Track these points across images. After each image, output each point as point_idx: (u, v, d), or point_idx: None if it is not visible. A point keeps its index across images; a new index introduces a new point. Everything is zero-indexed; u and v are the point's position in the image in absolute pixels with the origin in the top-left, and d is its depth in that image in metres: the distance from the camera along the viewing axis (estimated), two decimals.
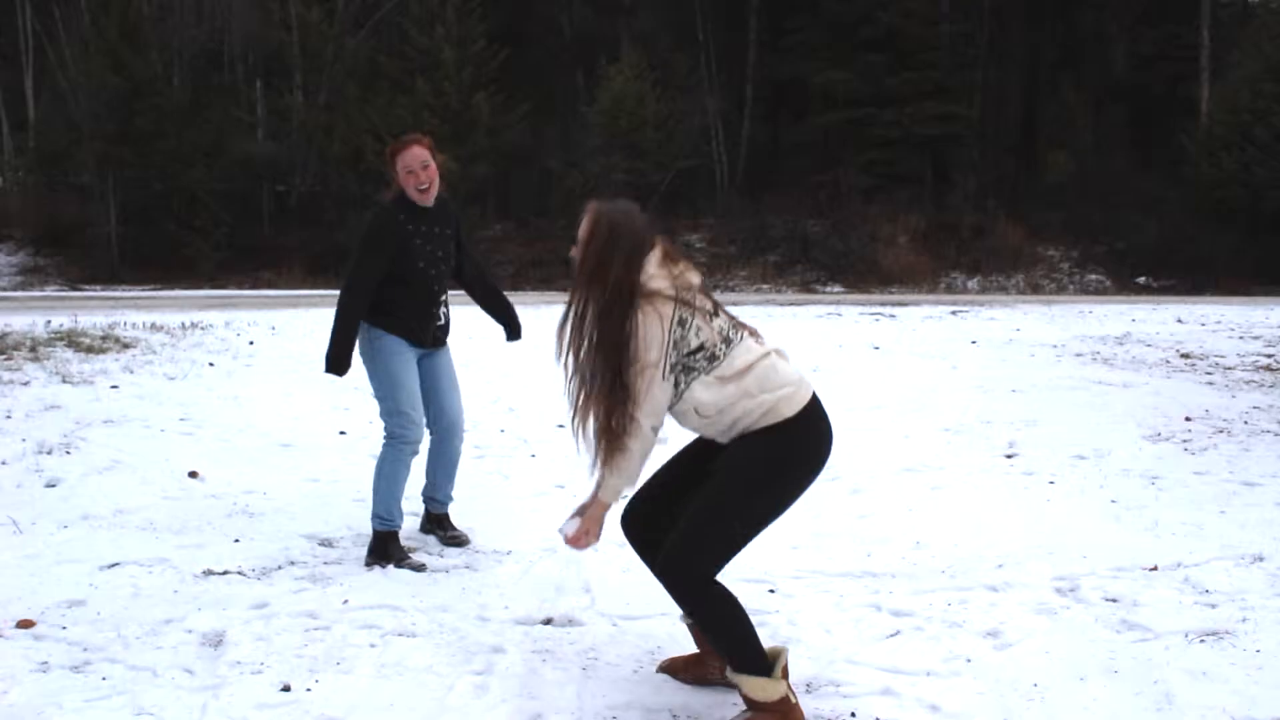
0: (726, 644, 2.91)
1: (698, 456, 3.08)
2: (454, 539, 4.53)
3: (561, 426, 6.90)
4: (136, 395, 7.09)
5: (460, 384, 4.53)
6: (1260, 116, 25.01)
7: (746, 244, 26.91)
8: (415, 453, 4.29)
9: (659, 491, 3.12)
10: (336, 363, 4.13)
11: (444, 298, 4.35)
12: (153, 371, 7.94)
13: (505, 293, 4.72)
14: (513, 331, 4.70)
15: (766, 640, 3.49)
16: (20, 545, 4.38)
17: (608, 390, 2.83)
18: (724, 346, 2.89)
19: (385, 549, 4.24)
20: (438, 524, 4.62)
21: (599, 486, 2.95)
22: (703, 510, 2.86)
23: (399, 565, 4.18)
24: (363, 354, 4.26)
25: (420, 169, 4.15)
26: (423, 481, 4.63)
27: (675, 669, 3.26)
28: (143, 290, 20.12)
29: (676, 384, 2.87)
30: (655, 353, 2.80)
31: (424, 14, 26.10)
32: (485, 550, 4.46)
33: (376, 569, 4.17)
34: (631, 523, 3.15)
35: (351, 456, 6.02)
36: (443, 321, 4.34)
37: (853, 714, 2.98)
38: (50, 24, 25.41)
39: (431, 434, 4.48)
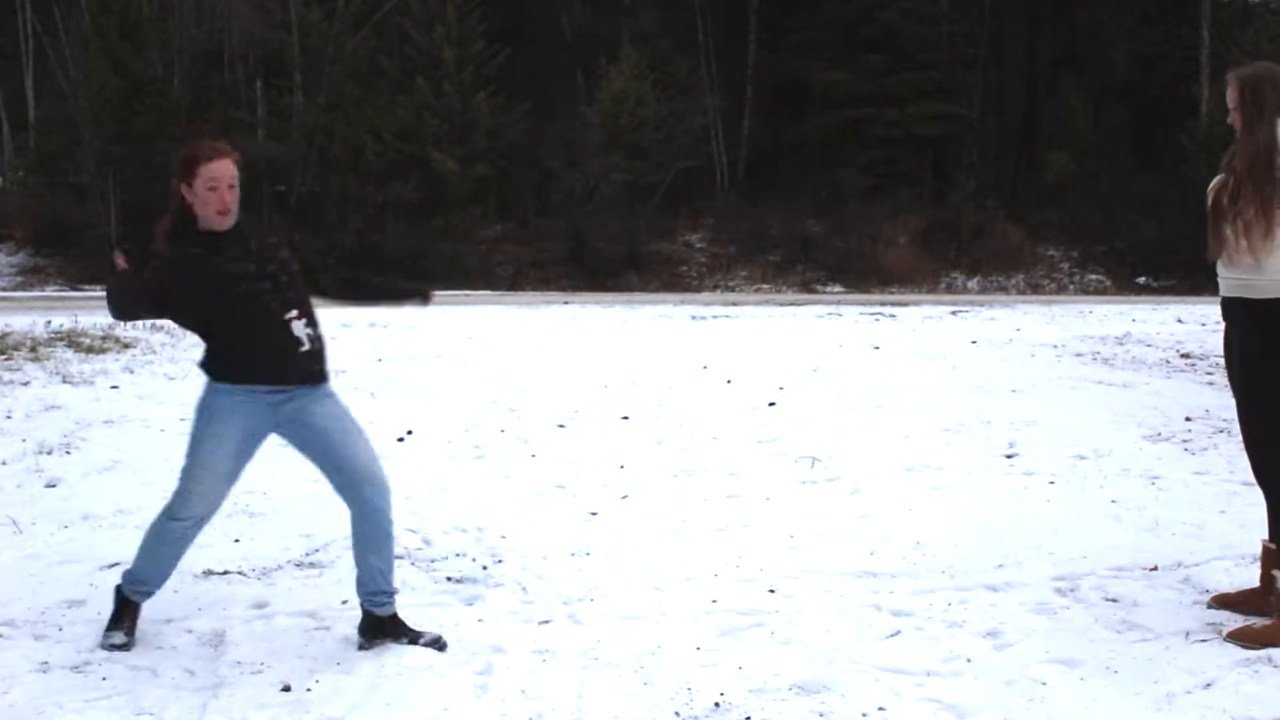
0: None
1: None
2: (436, 641, 3.44)
3: (562, 426, 6.90)
4: (137, 395, 7.09)
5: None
6: None
7: (746, 244, 26.92)
8: (180, 534, 3.43)
9: None
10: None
11: (294, 313, 3.34)
12: (153, 371, 7.94)
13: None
14: (409, 296, 3.96)
15: (769, 643, 3.50)
16: (20, 545, 4.38)
17: None
18: None
19: (119, 613, 3.46)
20: (380, 629, 3.44)
21: None
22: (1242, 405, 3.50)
23: (110, 640, 3.40)
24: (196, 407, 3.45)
25: (227, 188, 3.28)
26: (352, 574, 3.54)
27: (1231, 602, 3.62)
28: None
29: None
30: None
31: (424, 14, 26.13)
32: (485, 550, 4.45)
33: None
34: None
35: None
36: (308, 346, 3.35)
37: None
38: (50, 24, 25.44)
39: (344, 500, 3.45)
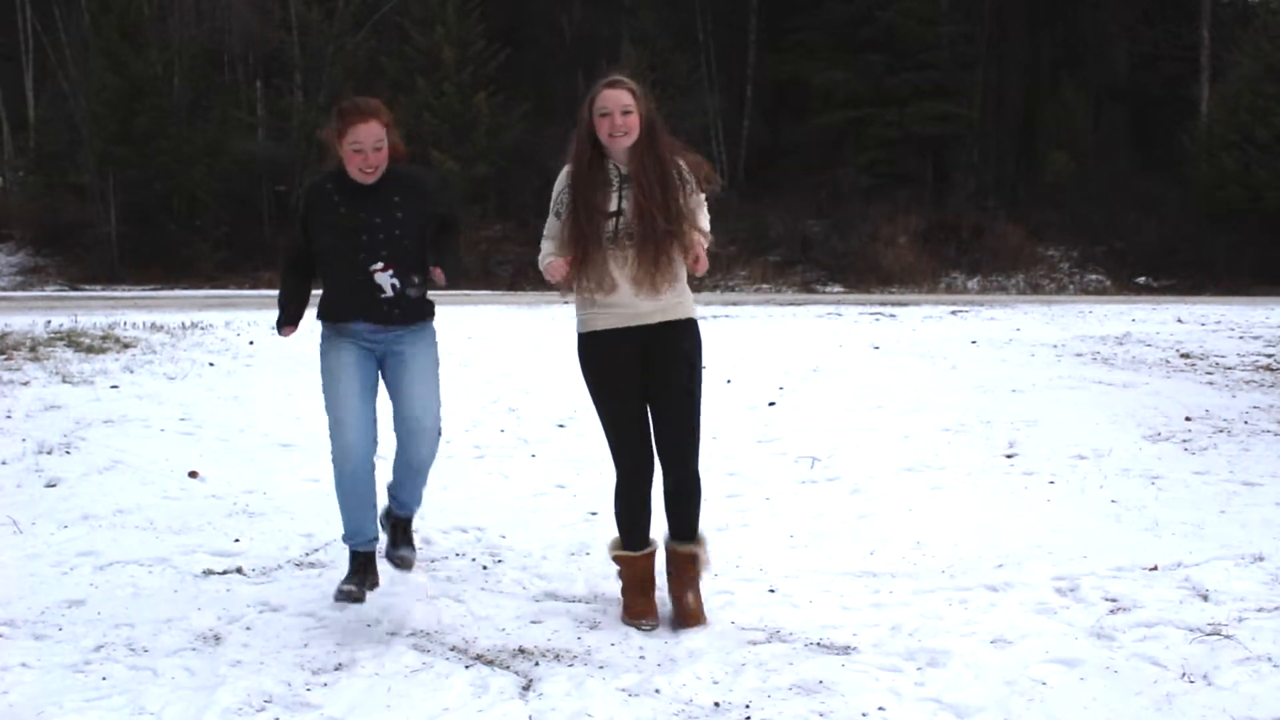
0: (699, 517, 3.72)
1: (637, 388, 3.63)
2: (399, 559, 3.76)
3: (562, 426, 6.90)
4: (136, 395, 7.09)
5: (444, 379, 3.83)
6: (1260, 116, 25.02)
7: (746, 244, 26.91)
8: (346, 464, 3.59)
9: (644, 428, 3.67)
10: (276, 323, 3.78)
11: (383, 267, 3.54)
12: (153, 371, 7.94)
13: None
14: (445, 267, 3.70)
15: (769, 643, 3.53)
16: (20, 545, 4.38)
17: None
18: None
19: (350, 567, 3.68)
20: (391, 528, 3.85)
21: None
22: (688, 412, 3.63)
23: (341, 588, 3.59)
24: None
25: (371, 149, 3.50)
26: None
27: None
28: (143, 290, 20.11)
29: None
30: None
31: (424, 14, 26.11)
32: (485, 550, 4.46)
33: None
34: (644, 474, 3.71)
35: None
36: (389, 292, 3.56)
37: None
38: (50, 24, 25.41)
39: (395, 436, 3.75)
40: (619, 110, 3.45)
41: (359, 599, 3.60)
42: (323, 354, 3.68)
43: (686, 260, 3.52)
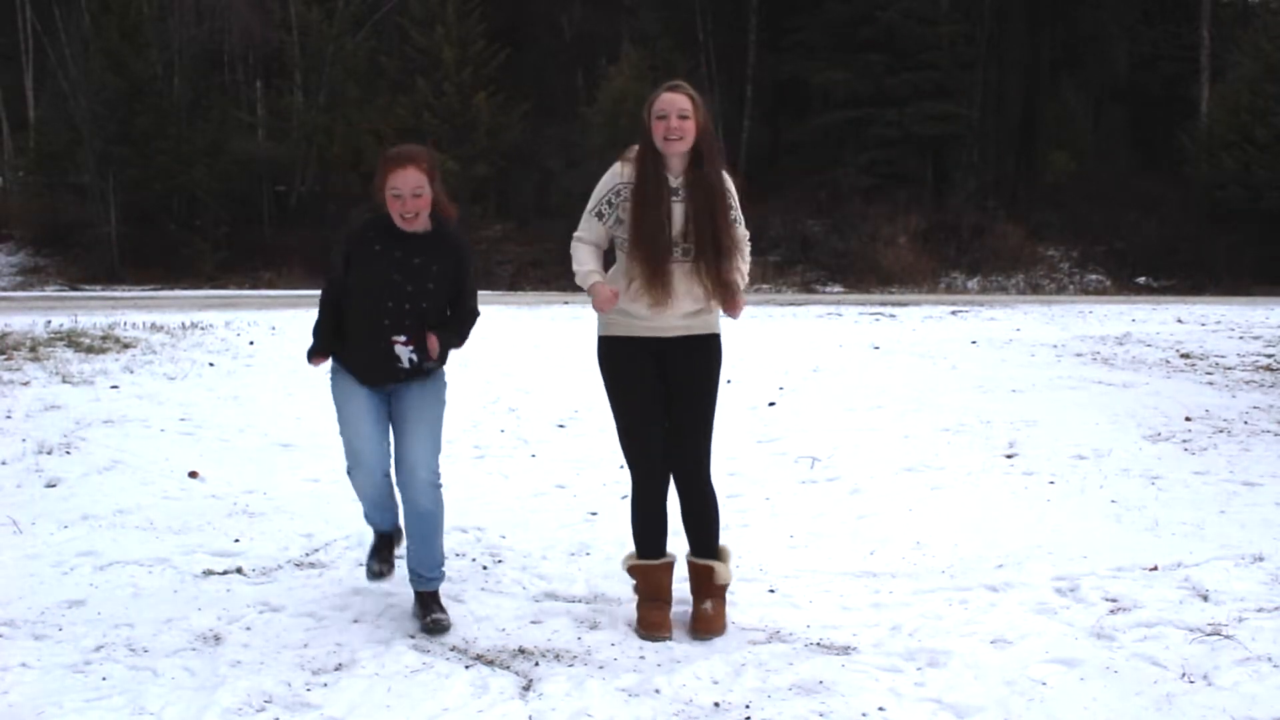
0: (718, 532, 3.70)
1: (656, 394, 3.60)
2: (433, 624, 3.59)
3: (562, 426, 6.91)
4: (136, 395, 7.09)
5: (447, 416, 3.78)
6: (1260, 116, 25.02)
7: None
8: (368, 492, 3.71)
9: (659, 434, 3.62)
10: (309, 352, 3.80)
11: (405, 341, 3.56)
12: (153, 371, 7.93)
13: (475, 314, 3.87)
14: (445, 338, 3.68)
15: (769, 643, 3.51)
16: (20, 545, 4.38)
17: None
18: None
19: (374, 544, 3.86)
20: (419, 602, 3.71)
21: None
22: (703, 428, 3.62)
23: (369, 566, 3.81)
24: None
25: (410, 196, 3.48)
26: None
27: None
28: (143, 290, 20.11)
29: None
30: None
31: (424, 14, 26.12)
32: (485, 550, 4.46)
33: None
34: (660, 480, 3.66)
35: None
36: (405, 364, 3.58)
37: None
38: (50, 24, 25.41)
39: (395, 478, 3.72)
40: (676, 114, 3.42)
41: (387, 575, 3.77)
42: (333, 382, 3.71)
43: (723, 295, 3.48)
